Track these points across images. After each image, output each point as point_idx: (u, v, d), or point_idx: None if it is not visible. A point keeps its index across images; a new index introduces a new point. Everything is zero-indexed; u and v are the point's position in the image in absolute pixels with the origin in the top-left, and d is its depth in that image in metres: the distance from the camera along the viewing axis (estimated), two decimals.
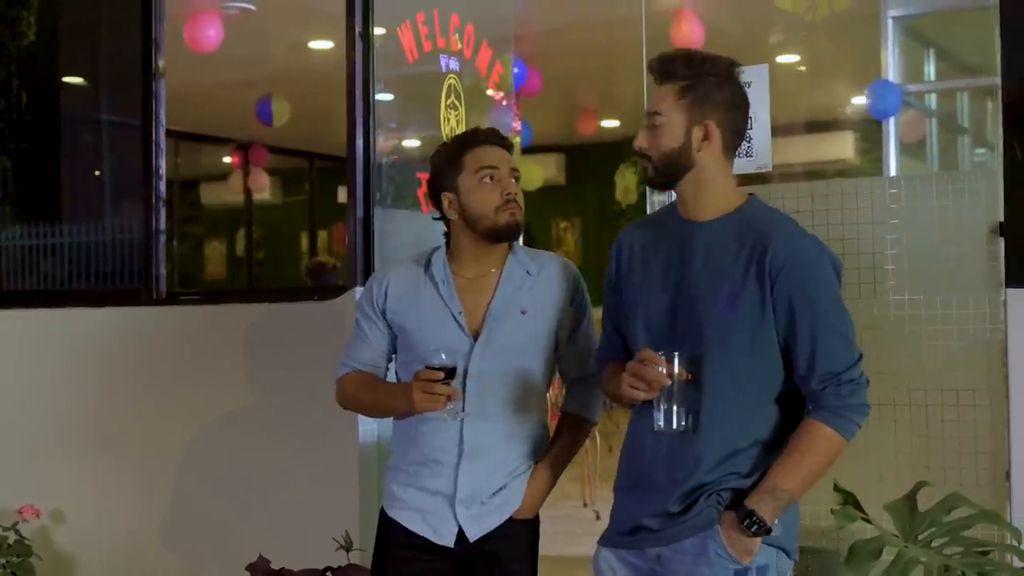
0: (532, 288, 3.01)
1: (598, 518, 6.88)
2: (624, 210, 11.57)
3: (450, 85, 4.44)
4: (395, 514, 3.07)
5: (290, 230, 12.38)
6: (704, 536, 2.56)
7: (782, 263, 2.54)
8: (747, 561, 2.53)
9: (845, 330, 2.58)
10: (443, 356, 2.83)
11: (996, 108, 7.82)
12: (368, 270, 4.16)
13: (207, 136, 10.52)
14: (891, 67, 6.67)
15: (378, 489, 4.15)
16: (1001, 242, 3.25)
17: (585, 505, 7.34)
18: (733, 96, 2.65)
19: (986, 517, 2.92)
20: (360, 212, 4.17)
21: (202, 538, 4.48)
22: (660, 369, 2.52)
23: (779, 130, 3.60)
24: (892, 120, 6.73)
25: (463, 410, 2.92)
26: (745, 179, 3.47)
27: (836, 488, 2.90)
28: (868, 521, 2.84)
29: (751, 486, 2.56)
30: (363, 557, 3.96)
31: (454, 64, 4.48)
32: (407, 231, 4.28)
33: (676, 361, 2.54)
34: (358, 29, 4.18)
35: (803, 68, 6.14)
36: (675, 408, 2.56)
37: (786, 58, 6.38)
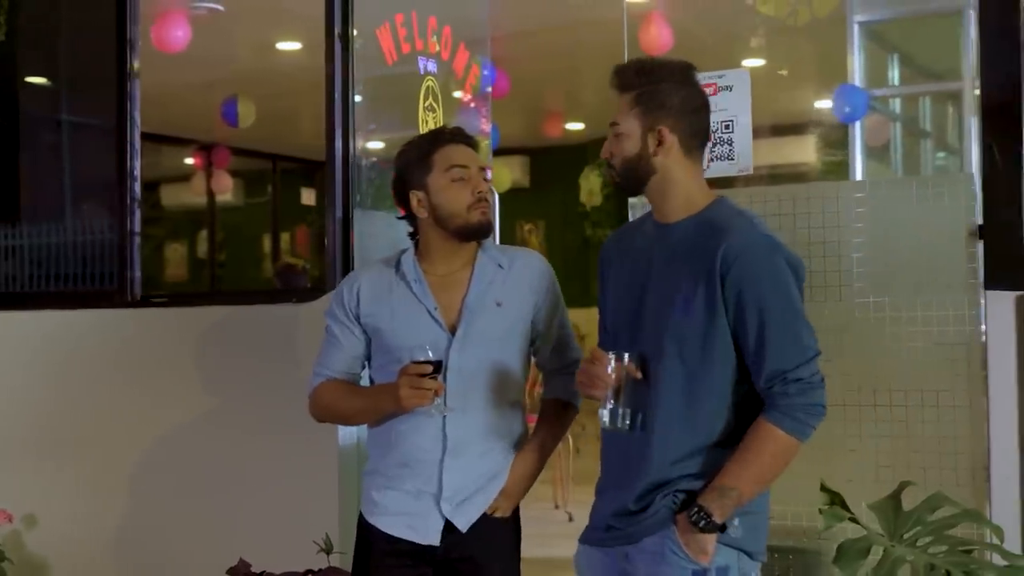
0: (505, 281, 3.03)
1: (571, 519, 6.90)
2: (588, 212, 11.62)
3: (428, 87, 4.44)
4: (375, 520, 3.07)
5: (252, 232, 12.31)
6: (662, 536, 2.60)
7: (732, 261, 2.56)
8: (704, 561, 2.55)
9: (796, 328, 2.58)
10: (428, 351, 2.84)
11: (958, 113, 7.91)
12: (347, 272, 4.14)
13: (168, 137, 10.44)
14: (857, 72, 6.74)
15: (358, 491, 4.15)
16: (980, 245, 3.30)
17: (557, 507, 7.35)
18: (687, 100, 2.69)
19: (969, 516, 2.95)
20: (339, 214, 4.16)
21: (181, 542, 4.45)
22: (609, 368, 2.58)
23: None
24: (858, 124, 6.80)
25: (443, 405, 2.92)
26: (717, 183, 3.51)
27: (823, 488, 2.93)
28: (855, 521, 2.87)
29: (704, 487, 2.59)
30: (343, 560, 3.94)
31: (432, 66, 4.48)
32: (385, 233, 4.27)
33: (626, 360, 2.60)
34: (337, 30, 4.17)
35: (783, 72, 6.18)
36: (620, 408, 2.62)
37: (752, 62, 6.42)
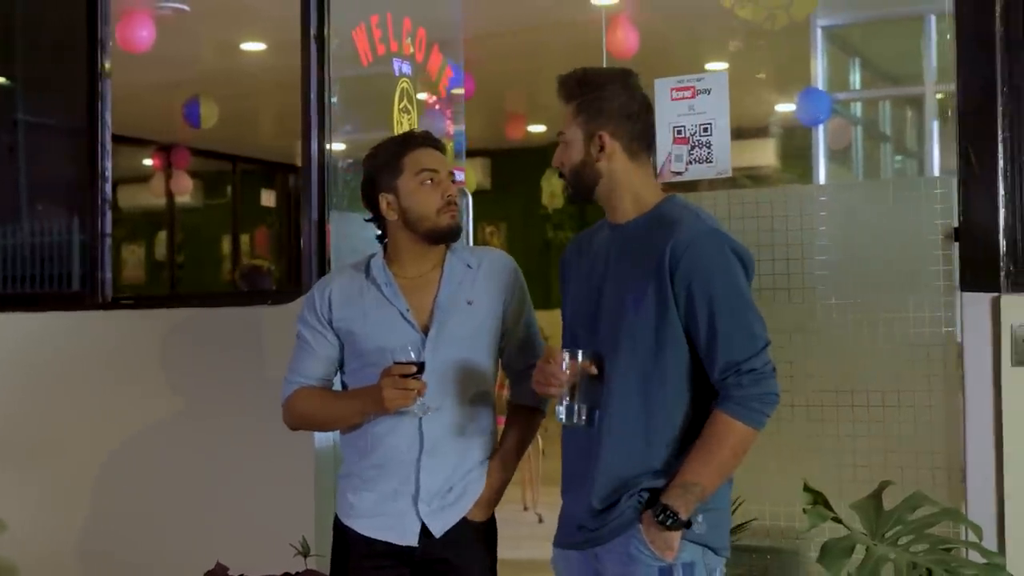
0: (475, 281, 3.06)
1: (540, 521, 6.91)
2: (550, 214, 11.65)
3: (403, 89, 4.44)
4: (352, 523, 3.07)
5: (211, 234, 12.23)
6: (628, 536, 2.63)
7: (680, 255, 2.60)
8: (670, 558, 2.58)
9: (747, 319, 2.62)
10: (411, 351, 2.84)
11: (918, 116, 7.98)
12: (323, 275, 4.13)
13: (125, 137, 10.34)
14: (820, 75, 6.81)
15: (335, 494, 4.14)
16: (956, 247, 3.35)
17: (526, 509, 7.36)
18: (625, 104, 2.74)
19: (949, 515, 3.00)
20: (315, 215, 4.14)
21: (154, 546, 4.41)
22: (563, 366, 2.64)
23: None
24: (821, 128, 6.86)
25: (425, 405, 2.92)
26: (679, 187, 3.55)
27: (806, 488, 2.96)
28: (839, 521, 2.90)
29: (667, 483, 2.62)
30: (320, 563, 3.93)
31: (407, 68, 4.48)
32: (360, 235, 4.26)
33: (580, 357, 2.64)
34: (313, 31, 4.15)
35: (761, 76, 6.24)
36: (575, 404, 2.67)
37: (715, 65, 6.47)
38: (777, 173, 8.83)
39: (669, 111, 3.61)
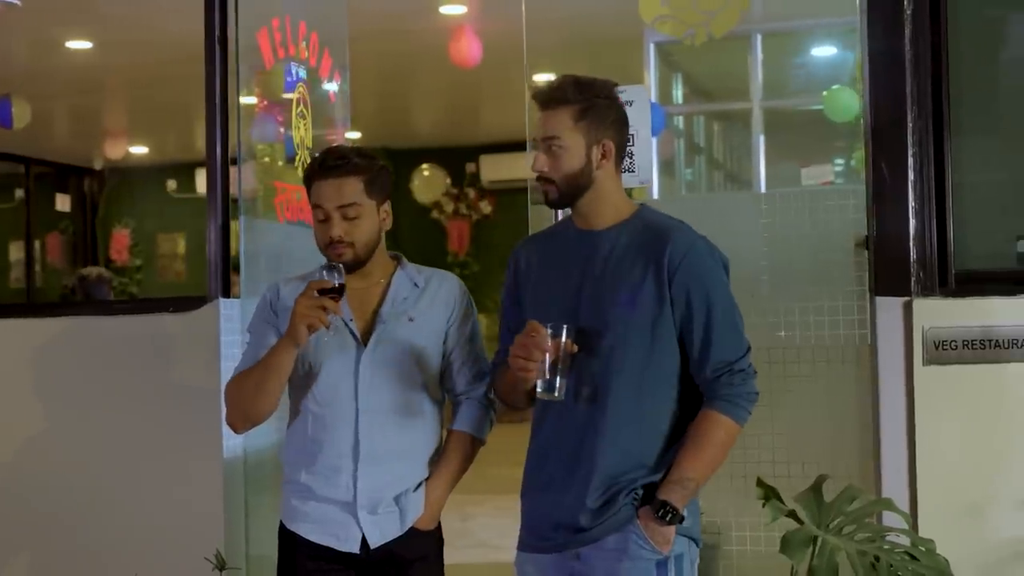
0: (419, 299, 3.06)
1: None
2: None
3: (300, 94, 4.40)
4: (297, 527, 3.04)
5: None
6: (625, 532, 2.70)
7: (679, 261, 2.71)
8: (666, 551, 2.68)
9: (736, 322, 2.76)
10: (335, 274, 2.82)
11: (723, 129, 8.31)
12: (227, 280, 4.05)
13: None
14: (653, 89, 7.06)
15: (245, 505, 4.05)
16: (867, 254, 3.58)
17: None
18: (619, 114, 2.83)
19: (881, 505, 3.22)
20: (220, 220, 4.05)
21: (65, 563, 4.20)
22: (546, 341, 2.63)
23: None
24: (654, 139, 7.10)
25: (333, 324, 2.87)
26: None
27: (759, 484, 3.11)
28: (794, 514, 3.05)
29: (661, 479, 2.71)
30: (235, 575, 3.86)
31: (302, 72, 4.44)
32: (262, 240, 4.19)
33: (564, 333, 2.66)
34: (216, 33, 4.07)
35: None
36: (556, 379, 2.67)
37: (543, 76, 6.59)
38: None
39: None
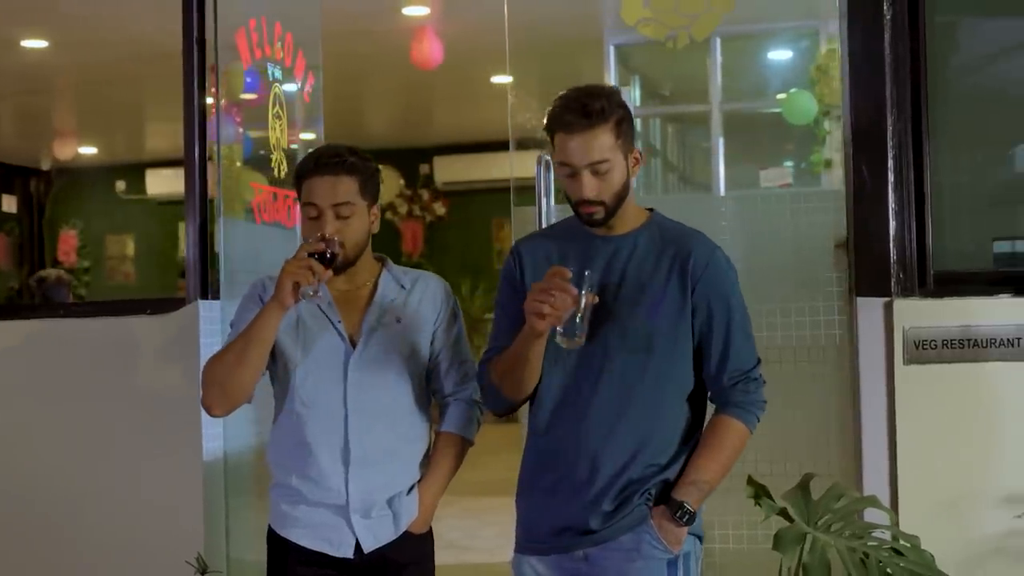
0: (406, 300, 3.06)
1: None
2: None
3: (275, 94, 4.38)
4: (287, 533, 3.01)
5: None
6: (638, 532, 2.72)
7: (701, 270, 2.74)
8: (678, 550, 2.73)
9: (750, 331, 2.83)
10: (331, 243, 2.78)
11: (678, 131, 8.39)
12: (205, 282, 4.02)
13: None
14: None
15: (225, 508, 4.03)
16: (848, 255, 3.63)
17: None
18: (633, 121, 2.81)
19: (867, 502, 3.27)
20: (198, 220, 4.01)
21: (45, 569, 4.15)
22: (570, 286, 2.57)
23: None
24: None
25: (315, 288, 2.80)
26: None
27: (750, 482, 3.14)
28: (784, 512, 3.09)
29: (675, 479, 2.74)
30: None
31: (278, 73, 4.42)
32: (239, 241, 4.17)
33: (585, 283, 2.59)
34: (195, 33, 4.04)
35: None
36: (576, 328, 2.60)
37: (501, 79, 6.60)
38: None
39: None
